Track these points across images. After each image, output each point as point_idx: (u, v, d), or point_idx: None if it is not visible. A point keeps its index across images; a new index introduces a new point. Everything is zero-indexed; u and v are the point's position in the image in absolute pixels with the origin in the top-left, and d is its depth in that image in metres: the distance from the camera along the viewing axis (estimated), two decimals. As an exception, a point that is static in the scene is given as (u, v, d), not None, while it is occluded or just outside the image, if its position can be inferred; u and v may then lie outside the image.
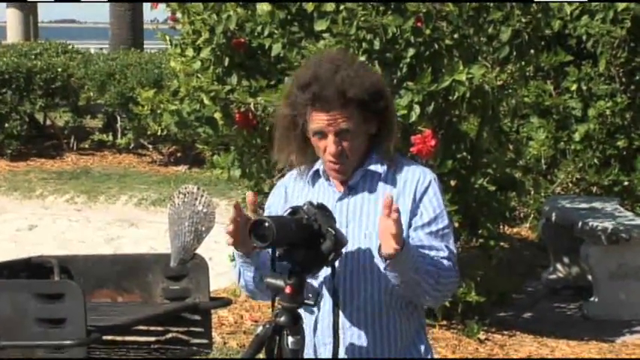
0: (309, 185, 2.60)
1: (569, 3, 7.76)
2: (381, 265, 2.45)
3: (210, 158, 6.01)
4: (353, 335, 2.51)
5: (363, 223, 2.51)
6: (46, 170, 11.79)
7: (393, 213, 2.30)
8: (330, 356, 2.47)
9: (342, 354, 2.49)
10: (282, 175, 2.74)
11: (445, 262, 2.48)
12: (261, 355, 2.36)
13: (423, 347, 2.61)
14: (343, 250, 2.44)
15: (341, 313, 2.48)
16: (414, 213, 2.51)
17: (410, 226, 2.50)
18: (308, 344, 2.50)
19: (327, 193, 2.57)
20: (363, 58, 4.89)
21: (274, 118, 2.70)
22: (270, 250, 2.40)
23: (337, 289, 2.46)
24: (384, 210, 2.33)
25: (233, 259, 6.24)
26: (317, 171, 2.59)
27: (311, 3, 5.22)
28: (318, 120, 2.47)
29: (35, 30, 19.32)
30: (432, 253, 2.47)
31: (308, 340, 2.49)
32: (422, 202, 2.51)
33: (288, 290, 2.35)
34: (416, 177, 2.53)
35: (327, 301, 2.50)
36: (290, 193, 2.62)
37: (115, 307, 2.92)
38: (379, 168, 2.54)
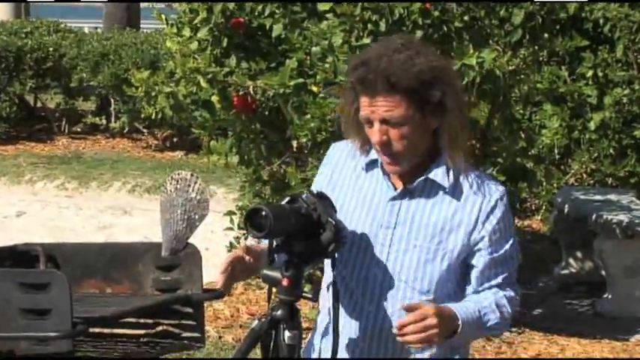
0: (362, 170, 2.46)
1: (585, -16, 7.63)
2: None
3: (207, 144, 5.92)
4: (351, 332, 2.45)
5: (413, 232, 2.37)
6: (35, 154, 11.62)
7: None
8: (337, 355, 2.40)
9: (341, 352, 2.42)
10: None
11: (505, 292, 2.46)
12: (257, 350, 2.33)
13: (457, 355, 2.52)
14: (388, 252, 2.38)
15: (351, 311, 2.41)
16: (474, 234, 2.37)
17: (467, 245, 2.37)
18: (316, 348, 2.46)
19: (380, 186, 2.43)
20: (367, 41, 4.73)
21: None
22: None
23: (349, 282, 2.39)
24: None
25: (230, 250, 6.13)
26: (375, 160, 2.44)
27: (315, -19, 5.07)
28: (364, 106, 2.34)
29: (26, 7, 19.19)
30: (493, 282, 2.43)
31: (318, 343, 2.45)
32: (485, 224, 2.37)
33: (285, 283, 2.31)
34: (481, 193, 2.38)
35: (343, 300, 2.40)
36: (341, 164, 2.52)
37: (103, 298, 2.82)
38: (443, 177, 2.37)
